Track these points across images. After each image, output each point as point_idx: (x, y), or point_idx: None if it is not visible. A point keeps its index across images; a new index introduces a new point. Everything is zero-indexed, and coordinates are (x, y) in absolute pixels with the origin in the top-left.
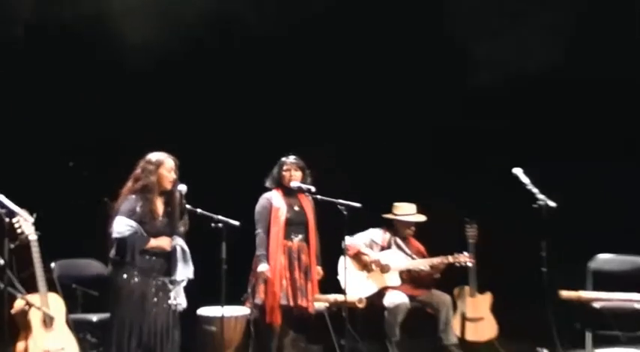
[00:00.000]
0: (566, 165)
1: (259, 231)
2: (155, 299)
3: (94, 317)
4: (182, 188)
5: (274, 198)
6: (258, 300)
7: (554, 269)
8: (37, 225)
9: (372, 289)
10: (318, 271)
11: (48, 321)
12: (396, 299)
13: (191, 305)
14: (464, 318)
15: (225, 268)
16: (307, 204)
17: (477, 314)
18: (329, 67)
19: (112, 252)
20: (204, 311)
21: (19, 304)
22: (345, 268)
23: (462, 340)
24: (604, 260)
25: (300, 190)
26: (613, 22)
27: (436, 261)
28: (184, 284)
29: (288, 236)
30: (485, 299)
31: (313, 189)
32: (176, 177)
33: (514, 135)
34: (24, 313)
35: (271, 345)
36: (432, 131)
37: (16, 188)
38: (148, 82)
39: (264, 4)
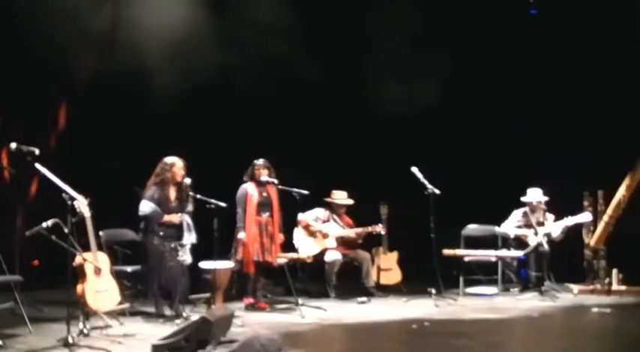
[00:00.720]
0: (445, 164)
1: (239, 210)
2: (170, 257)
3: (129, 269)
4: (187, 181)
5: (249, 187)
6: (239, 257)
7: (439, 235)
8: (91, 205)
9: (316, 249)
10: (280, 237)
11: (97, 271)
12: (333, 256)
13: (195, 260)
14: (379, 269)
15: (217, 235)
16: (272, 191)
17: (388, 266)
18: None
19: (141, 225)
20: (203, 264)
21: (78, 259)
22: (298, 235)
23: (377, 283)
24: (471, 228)
25: (267, 182)
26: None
27: (360, 230)
28: (189, 246)
29: (258, 213)
30: (394, 256)
31: (276, 181)
32: (184, 173)
33: (410, 148)
34: (81, 265)
35: (248, 287)
36: (357, 144)
37: (77, 180)
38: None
39: None
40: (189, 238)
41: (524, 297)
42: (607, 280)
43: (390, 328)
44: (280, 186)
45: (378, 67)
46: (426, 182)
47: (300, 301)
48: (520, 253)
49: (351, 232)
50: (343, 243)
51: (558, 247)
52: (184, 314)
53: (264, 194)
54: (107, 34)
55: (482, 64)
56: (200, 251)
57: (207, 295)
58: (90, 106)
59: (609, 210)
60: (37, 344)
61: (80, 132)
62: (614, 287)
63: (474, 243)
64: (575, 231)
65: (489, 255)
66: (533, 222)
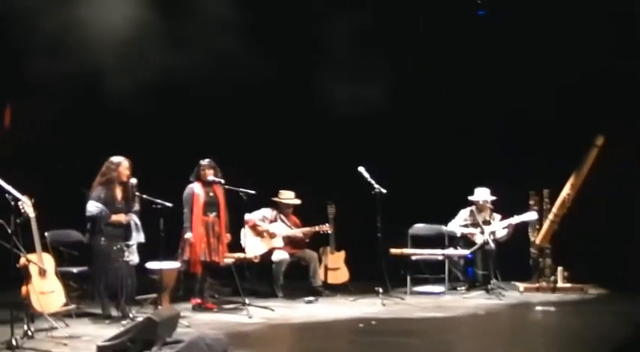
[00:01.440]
0: (392, 164)
1: (186, 210)
2: (116, 257)
3: (75, 270)
4: (134, 181)
5: (196, 187)
6: (186, 257)
7: (386, 234)
8: (35, 206)
9: (263, 249)
10: (227, 237)
11: (42, 272)
12: (280, 255)
13: (142, 260)
14: (326, 268)
15: (163, 236)
16: (219, 191)
17: (335, 265)
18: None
19: (87, 225)
20: (150, 264)
21: (22, 260)
22: (246, 235)
23: (325, 283)
24: (418, 227)
25: (213, 182)
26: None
27: (307, 229)
28: (136, 246)
29: (205, 213)
30: (341, 255)
31: (223, 181)
32: (129, 173)
33: (359, 148)
34: (26, 267)
35: (195, 287)
36: (304, 143)
37: (20, 181)
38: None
39: None
40: (137, 237)
41: (471, 295)
42: (552, 278)
43: (337, 327)
44: (227, 186)
45: (327, 67)
46: (372, 181)
47: (247, 301)
48: (467, 252)
49: (299, 232)
50: (290, 242)
51: (504, 246)
52: (131, 315)
53: (211, 194)
54: (57, 35)
55: (430, 64)
56: (147, 251)
57: (154, 295)
58: (36, 107)
59: (554, 209)
60: None
61: (25, 132)
62: (560, 284)
63: (421, 241)
64: (521, 230)
65: (436, 253)
66: (479, 221)
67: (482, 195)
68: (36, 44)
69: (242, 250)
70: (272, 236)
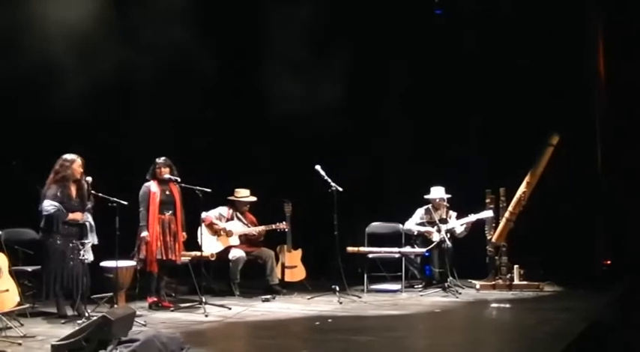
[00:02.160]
0: (349, 163)
1: (142, 209)
2: (71, 256)
3: (30, 269)
4: (89, 179)
5: (152, 186)
6: (142, 256)
7: (343, 232)
8: None
9: (220, 247)
10: (183, 235)
11: None
12: (237, 253)
13: (97, 259)
14: (283, 266)
15: (119, 234)
16: (175, 189)
17: (292, 263)
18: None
19: (42, 224)
20: (105, 263)
21: None
22: (202, 233)
23: (282, 281)
24: (375, 226)
25: (169, 180)
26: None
27: (264, 227)
28: (90, 245)
29: (161, 212)
30: (298, 253)
31: (179, 179)
32: (83, 171)
33: (314, 146)
34: None
35: (152, 286)
36: (260, 142)
37: None
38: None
39: None
40: (92, 238)
41: (428, 293)
42: (508, 276)
43: (294, 325)
44: (183, 184)
45: (284, 63)
46: (329, 180)
47: (204, 299)
48: (423, 250)
49: (255, 230)
50: (247, 240)
51: (461, 244)
52: (87, 314)
53: (167, 192)
54: (7, 32)
55: (386, 62)
56: (102, 250)
57: (110, 294)
58: None
59: (510, 207)
60: None
61: None
62: (516, 282)
63: (378, 240)
64: (477, 228)
65: (393, 251)
66: (436, 219)
67: (438, 193)
68: None
69: (199, 248)
70: (228, 234)
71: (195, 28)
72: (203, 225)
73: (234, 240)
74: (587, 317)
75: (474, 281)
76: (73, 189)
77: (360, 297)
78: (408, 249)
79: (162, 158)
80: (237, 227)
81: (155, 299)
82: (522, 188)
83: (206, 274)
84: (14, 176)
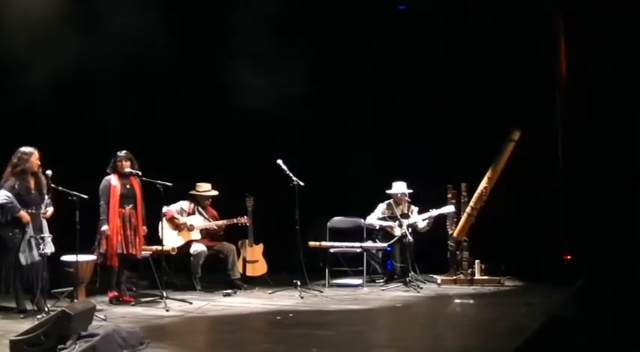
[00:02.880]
0: (311, 157)
1: (102, 202)
2: (31, 249)
3: None
4: (49, 172)
5: (112, 179)
6: (102, 250)
7: (304, 227)
8: None
9: (181, 241)
10: (144, 229)
11: None
12: (198, 248)
13: (57, 253)
14: (245, 261)
15: (79, 228)
16: (136, 183)
17: (253, 257)
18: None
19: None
20: (65, 257)
21: None
22: (163, 227)
23: (243, 275)
24: (337, 220)
25: (130, 174)
26: None
27: (225, 222)
28: (50, 238)
29: (122, 205)
30: (259, 248)
31: (140, 173)
32: (40, 163)
33: (276, 140)
34: None
35: (112, 280)
36: (222, 136)
37: None
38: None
39: None
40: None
41: (389, 288)
42: (470, 270)
43: (255, 320)
44: (144, 178)
45: (246, 56)
46: (291, 174)
47: (165, 294)
48: (385, 245)
49: (217, 224)
50: (208, 235)
51: (422, 238)
52: (46, 309)
53: (128, 186)
54: None
55: (348, 55)
56: (62, 244)
57: (70, 289)
58: None
59: (472, 202)
60: None
61: None
62: (477, 277)
63: (340, 234)
64: (439, 223)
65: (354, 246)
66: (397, 214)
67: (399, 188)
68: None
69: (160, 243)
70: (190, 228)
71: (158, 19)
72: (164, 219)
73: (196, 235)
74: (546, 311)
75: (435, 276)
76: (32, 182)
77: (321, 292)
78: (369, 243)
79: (124, 151)
80: (199, 221)
81: (116, 293)
82: (483, 183)
83: (167, 268)
84: None
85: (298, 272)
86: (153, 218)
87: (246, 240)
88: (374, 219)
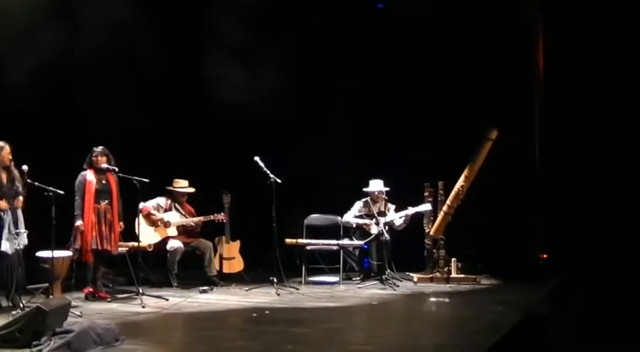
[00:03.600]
0: (288, 154)
1: (77, 198)
2: (5, 244)
3: None
4: (24, 167)
5: (88, 175)
6: (77, 246)
7: (281, 224)
8: None
9: (158, 238)
10: (120, 225)
11: None
12: (174, 244)
13: (32, 249)
14: (221, 257)
15: (54, 223)
16: (112, 179)
17: (230, 254)
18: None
19: None
20: (40, 253)
21: None
22: (139, 224)
23: (220, 272)
24: (314, 218)
25: (107, 170)
26: None
27: (202, 218)
28: (26, 233)
29: (97, 201)
30: (236, 245)
31: (116, 169)
32: (11, 157)
33: (253, 136)
34: None
35: (88, 277)
36: (199, 132)
37: None
38: None
39: None
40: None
41: (366, 286)
42: (446, 269)
43: (231, 317)
44: (121, 174)
45: (222, 51)
46: (268, 171)
47: (141, 290)
48: (362, 242)
49: (193, 220)
50: (185, 231)
51: (399, 237)
52: (21, 305)
53: (104, 181)
54: None
55: (328, 53)
56: (37, 239)
57: (46, 285)
58: None
59: (448, 201)
60: None
61: None
62: (453, 275)
63: (317, 232)
64: (416, 221)
65: (331, 244)
66: (374, 212)
67: (376, 186)
68: None
69: (136, 239)
70: (166, 225)
71: (137, 12)
72: (140, 215)
73: (172, 231)
74: (522, 309)
75: (411, 274)
76: (4, 176)
77: (297, 289)
78: (346, 241)
79: (100, 147)
80: (175, 217)
81: (91, 289)
82: (460, 182)
83: (143, 265)
84: None
85: (275, 270)
86: (129, 214)
87: (223, 237)
88: (351, 216)
